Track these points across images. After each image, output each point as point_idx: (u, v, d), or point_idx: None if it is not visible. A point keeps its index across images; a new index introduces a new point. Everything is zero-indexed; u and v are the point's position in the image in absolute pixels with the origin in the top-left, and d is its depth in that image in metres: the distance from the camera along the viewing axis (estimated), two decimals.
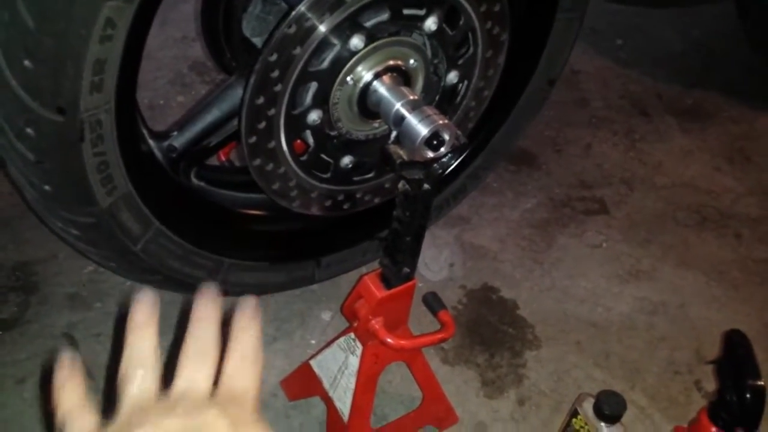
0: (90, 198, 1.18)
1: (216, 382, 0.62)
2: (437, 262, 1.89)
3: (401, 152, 1.20)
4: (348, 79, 1.24)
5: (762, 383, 1.29)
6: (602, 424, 1.35)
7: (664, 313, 1.86)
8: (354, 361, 1.37)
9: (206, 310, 0.65)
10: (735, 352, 1.37)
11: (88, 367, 1.53)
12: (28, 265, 1.76)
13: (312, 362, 1.47)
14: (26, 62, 1.00)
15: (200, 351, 0.62)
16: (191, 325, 0.64)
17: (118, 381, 0.60)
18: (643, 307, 1.87)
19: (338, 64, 1.21)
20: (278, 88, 1.18)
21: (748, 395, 1.29)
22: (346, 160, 1.37)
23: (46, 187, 1.15)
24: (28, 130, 1.06)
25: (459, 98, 1.44)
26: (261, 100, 1.18)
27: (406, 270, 1.28)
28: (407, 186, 1.19)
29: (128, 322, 0.64)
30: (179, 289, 1.47)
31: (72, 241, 1.30)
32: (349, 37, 1.19)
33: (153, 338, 0.63)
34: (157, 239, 1.33)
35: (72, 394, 0.61)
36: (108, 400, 1.48)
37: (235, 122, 1.37)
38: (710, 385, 1.68)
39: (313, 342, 1.68)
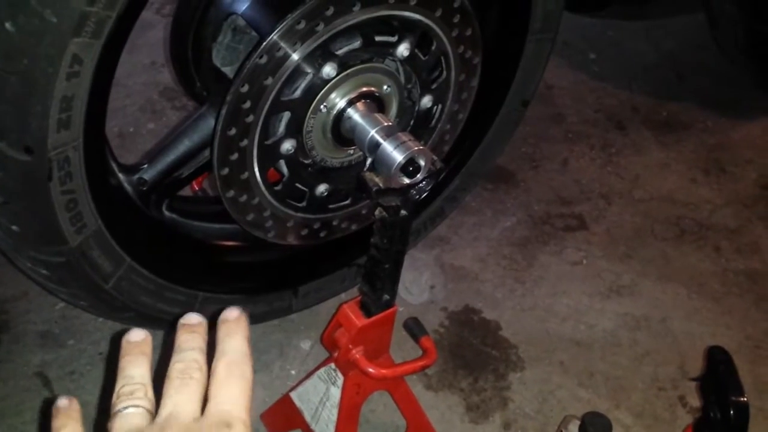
0: (59, 237, 1.16)
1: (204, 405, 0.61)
2: (418, 285, 1.88)
3: (377, 179, 1.19)
4: (321, 107, 1.23)
5: (745, 399, 1.29)
6: None
7: (647, 328, 1.86)
8: (335, 392, 1.35)
9: (190, 333, 0.65)
10: (717, 369, 1.36)
11: None
12: None
13: (292, 394, 1.44)
14: None
15: (185, 373, 0.61)
16: (176, 349, 0.64)
17: (111, 407, 0.60)
18: (625, 323, 1.86)
19: (311, 92, 1.20)
20: (250, 118, 1.16)
21: (732, 412, 1.29)
22: (322, 189, 1.36)
23: (14, 227, 1.13)
24: None
25: (434, 122, 1.43)
26: (233, 132, 1.16)
27: (386, 297, 1.27)
28: (384, 213, 1.18)
29: (121, 348, 0.64)
30: (152, 325, 1.44)
31: (42, 281, 1.27)
32: (321, 66, 1.18)
33: (146, 366, 0.63)
34: (129, 276, 1.30)
35: (69, 428, 0.61)
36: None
37: (206, 153, 1.35)
38: (695, 400, 1.68)
39: (293, 372, 1.65)
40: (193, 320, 0.66)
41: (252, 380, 0.62)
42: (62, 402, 0.63)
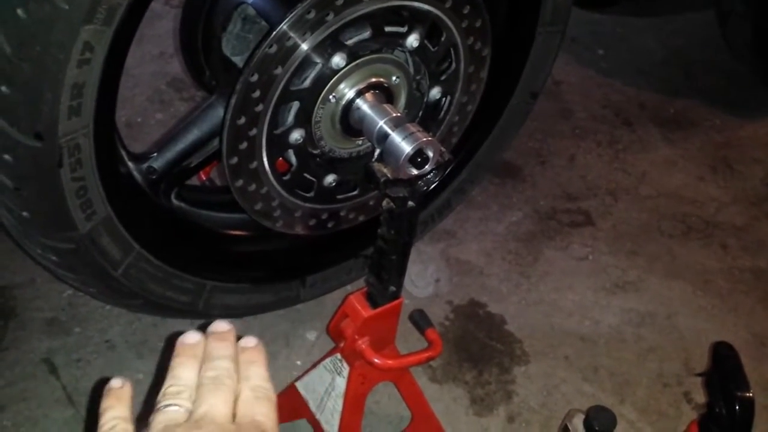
0: (69, 223, 1.16)
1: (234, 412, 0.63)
2: (423, 278, 1.88)
3: (385, 170, 1.19)
4: (330, 97, 1.23)
5: (751, 395, 1.29)
6: None
7: (652, 324, 1.86)
8: (341, 383, 1.35)
9: (220, 341, 0.67)
10: (723, 364, 1.36)
11: (69, 393, 1.51)
12: (6, 290, 1.73)
13: (298, 384, 1.44)
14: (3, 88, 0.98)
15: (217, 380, 0.64)
16: (206, 356, 0.66)
17: (155, 402, 0.63)
18: (630, 319, 1.86)
19: (320, 82, 1.20)
20: (260, 108, 1.16)
21: (737, 407, 1.29)
22: (330, 179, 1.36)
23: (24, 214, 1.13)
24: (6, 157, 1.05)
25: (442, 114, 1.43)
26: (242, 121, 1.16)
27: (393, 288, 1.27)
28: (392, 204, 1.18)
29: (175, 349, 0.67)
30: (160, 312, 1.45)
31: (51, 267, 1.27)
32: (330, 56, 1.18)
33: (195, 369, 0.65)
34: (137, 263, 1.31)
35: (117, 410, 0.63)
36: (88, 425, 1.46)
37: (215, 142, 1.36)
38: (699, 396, 1.68)
39: (298, 363, 1.66)
40: (222, 328, 0.69)
41: (276, 404, 0.65)
42: (115, 383, 0.65)
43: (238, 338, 0.70)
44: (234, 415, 0.62)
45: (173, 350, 0.67)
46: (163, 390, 0.64)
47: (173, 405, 0.62)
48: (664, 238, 2.11)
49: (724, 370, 1.35)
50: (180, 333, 0.69)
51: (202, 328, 0.70)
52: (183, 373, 0.65)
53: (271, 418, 0.63)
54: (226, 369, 0.65)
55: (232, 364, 0.66)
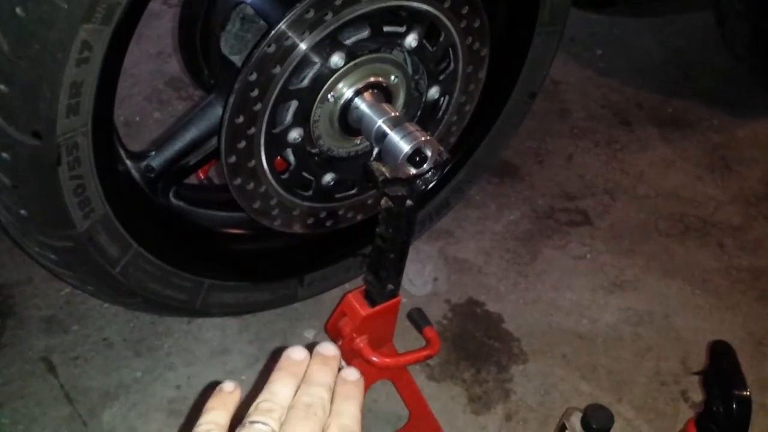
0: (67, 222, 1.16)
1: None
2: (421, 276, 1.88)
3: (383, 169, 1.19)
4: (329, 96, 1.23)
5: (748, 393, 1.29)
6: None
7: (650, 324, 1.86)
8: None
9: (323, 366, 0.67)
10: (721, 362, 1.36)
11: (66, 391, 1.51)
12: (4, 288, 1.73)
13: None
14: (1, 86, 0.98)
15: (310, 409, 0.63)
16: (306, 379, 0.66)
17: (246, 415, 0.63)
18: (628, 318, 1.87)
19: (319, 81, 1.20)
20: (258, 107, 1.17)
21: (734, 406, 1.29)
22: (328, 178, 1.36)
23: (22, 212, 1.13)
24: (4, 155, 1.05)
25: (441, 113, 1.44)
26: (240, 120, 1.17)
27: (391, 287, 1.27)
28: (390, 203, 1.18)
29: (279, 361, 0.67)
30: (157, 310, 1.45)
31: (49, 265, 1.27)
32: (329, 55, 1.18)
33: (292, 387, 0.65)
34: (135, 262, 1.31)
35: (218, 414, 0.63)
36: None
37: (214, 141, 1.36)
38: (697, 395, 1.68)
39: None
40: (329, 352, 0.68)
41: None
42: (227, 386, 0.65)
43: (340, 367, 0.69)
44: None
45: (277, 361, 0.67)
46: (256, 403, 0.63)
47: (261, 423, 0.61)
48: (662, 237, 2.11)
49: (721, 368, 1.35)
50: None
51: (309, 347, 0.70)
52: (280, 390, 0.64)
53: None
54: (322, 399, 0.64)
55: (329, 394, 0.65)
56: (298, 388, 0.65)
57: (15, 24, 0.95)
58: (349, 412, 0.64)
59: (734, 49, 2.53)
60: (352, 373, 0.68)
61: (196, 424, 0.62)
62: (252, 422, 0.61)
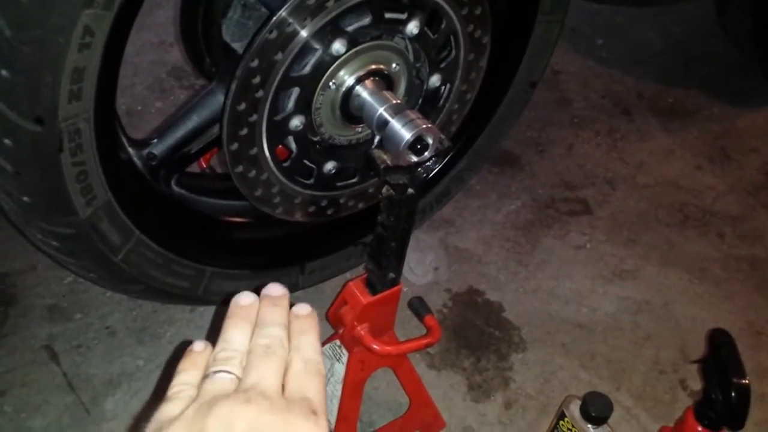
0: (69, 208, 1.16)
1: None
2: (422, 265, 1.89)
3: (385, 157, 1.19)
4: (330, 83, 1.23)
5: (747, 382, 1.30)
6: (589, 425, 1.35)
7: (649, 312, 1.87)
8: (340, 369, 1.36)
9: (273, 307, 0.66)
10: (720, 351, 1.37)
11: (69, 379, 1.52)
12: (7, 277, 1.73)
13: None
14: (3, 71, 0.98)
15: (269, 349, 0.62)
16: (258, 322, 0.65)
17: (207, 362, 0.63)
18: (627, 307, 1.87)
19: (320, 68, 1.20)
20: (260, 94, 1.17)
21: (733, 394, 1.29)
22: (330, 166, 1.36)
23: (25, 198, 1.13)
24: (6, 141, 1.05)
25: (442, 101, 1.43)
26: (242, 107, 1.17)
27: (392, 275, 1.28)
28: (391, 191, 1.18)
29: (228, 310, 0.66)
30: (160, 298, 1.45)
31: (51, 253, 1.27)
32: (330, 42, 1.18)
33: (248, 332, 0.64)
34: (138, 249, 1.31)
35: (189, 375, 0.63)
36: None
37: (216, 129, 1.36)
38: (695, 383, 1.69)
39: None
40: (277, 292, 0.68)
41: (325, 378, 0.64)
42: (197, 346, 0.65)
43: (291, 304, 0.68)
44: (283, 387, 0.61)
45: (227, 311, 0.66)
46: (214, 354, 0.63)
47: (222, 372, 0.61)
48: (662, 226, 2.12)
49: (720, 357, 1.35)
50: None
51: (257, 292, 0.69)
52: (235, 336, 0.64)
53: (321, 395, 0.61)
54: (278, 338, 0.63)
55: (284, 332, 0.64)
56: (253, 333, 0.64)
57: (16, 8, 0.95)
58: (308, 344, 0.64)
59: (734, 38, 2.52)
60: (303, 308, 0.68)
61: (169, 386, 0.62)
62: (214, 372, 0.61)
